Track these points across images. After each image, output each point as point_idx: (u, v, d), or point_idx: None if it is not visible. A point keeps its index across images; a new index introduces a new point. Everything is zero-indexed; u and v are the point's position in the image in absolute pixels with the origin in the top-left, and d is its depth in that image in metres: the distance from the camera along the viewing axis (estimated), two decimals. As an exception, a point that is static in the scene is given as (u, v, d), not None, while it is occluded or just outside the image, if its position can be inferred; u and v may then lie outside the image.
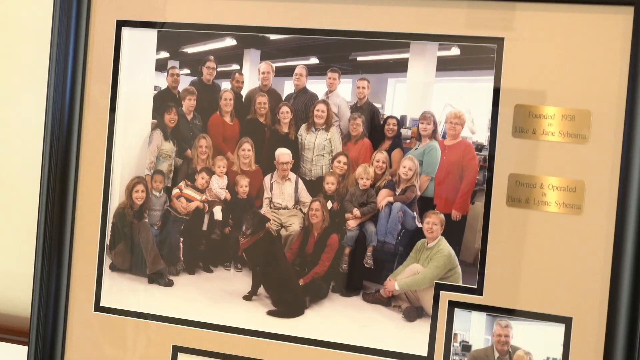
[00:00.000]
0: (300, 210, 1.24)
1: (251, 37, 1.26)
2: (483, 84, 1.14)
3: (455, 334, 1.16)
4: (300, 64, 1.24)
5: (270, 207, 1.26)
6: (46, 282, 1.33)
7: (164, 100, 1.31)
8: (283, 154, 1.25)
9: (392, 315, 1.19)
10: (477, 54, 1.15)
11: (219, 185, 1.28)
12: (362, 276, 1.21)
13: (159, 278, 1.31)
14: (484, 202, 1.14)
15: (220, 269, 1.28)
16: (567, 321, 1.11)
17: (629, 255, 1.06)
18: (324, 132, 1.23)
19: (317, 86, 1.23)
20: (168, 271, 1.30)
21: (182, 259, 1.30)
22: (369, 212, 1.21)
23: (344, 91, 1.22)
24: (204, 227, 1.29)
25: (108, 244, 1.33)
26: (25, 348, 1.36)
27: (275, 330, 1.24)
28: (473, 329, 1.16)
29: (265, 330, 1.25)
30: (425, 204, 1.18)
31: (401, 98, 1.20)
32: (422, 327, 1.17)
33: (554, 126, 1.12)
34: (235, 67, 1.27)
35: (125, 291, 1.32)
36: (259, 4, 1.25)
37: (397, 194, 1.20)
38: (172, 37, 1.30)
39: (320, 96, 1.23)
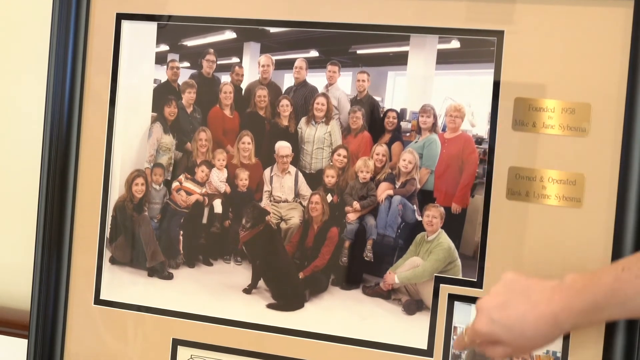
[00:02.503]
0: (300, 203, 1.24)
1: (251, 30, 1.26)
2: (483, 77, 1.14)
3: (455, 327, 1.16)
4: (300, 57, 1.23)
5: (270, 200, 1.26)
6: (46, 275, 1.33)
7: (163, 94, 1.30)
8: (283, 147, 1.25)
9: (392, 308, 1.19)
10: (477, 47, 1.15)
11: (218, 178, 1.28)
12: (362, 269, 1.21)
13: (158, 271, 1.31)
14: (484, 195, 1.14)
15: (220, 262, 1.28)
16: (566, 314, 1.10)
17: (629, 248, 1.06)
18: (324, 125, 1.23)
19: (317, 79, 1.23)
20: (168, 264, 1.30)
21: (181, 252, 1.30)
22: (368, 205, 1.21)
23: (344, 84, 1.22)
24: (204, 221, 1.29)
25: (108, 237, 1.33)
26: (26, 341, 1.36)
27: (275, 323, 1.24)
28: (473, 322, 1.16)
29: (265, 324, 1.25)
30: (425, 197, 1.18)
31: (401, 91, 1.19)
32: (422, 320, 1.17)
33: (554, 119, 1.11)
34: (235, 60, 1.27)
35: (126, 284, 1.32)
36: (259, -4, 1.25)
37: (397, 187, 1.20)
38: (172, 30, 1.30)
39: (320, 89, 1.23)
